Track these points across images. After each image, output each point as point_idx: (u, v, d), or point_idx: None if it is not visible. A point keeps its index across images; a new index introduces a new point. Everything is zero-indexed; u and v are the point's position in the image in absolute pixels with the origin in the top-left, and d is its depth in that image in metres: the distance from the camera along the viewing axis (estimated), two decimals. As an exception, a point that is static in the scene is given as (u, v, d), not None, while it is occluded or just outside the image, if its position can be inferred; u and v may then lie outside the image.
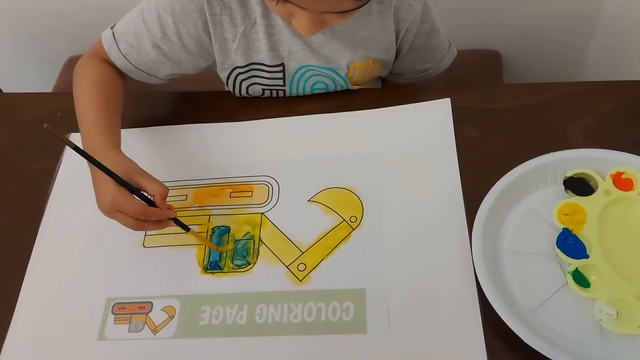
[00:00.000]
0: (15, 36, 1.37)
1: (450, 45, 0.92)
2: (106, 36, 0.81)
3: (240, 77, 0.85)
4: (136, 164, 0.71)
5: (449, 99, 0.83)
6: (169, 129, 0.86)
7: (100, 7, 1.22)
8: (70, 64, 1.32)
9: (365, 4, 0.65)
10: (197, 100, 0.91)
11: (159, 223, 0.70)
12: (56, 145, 0.85)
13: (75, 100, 0.79)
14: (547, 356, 0.60)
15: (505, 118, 0.82)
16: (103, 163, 0.67)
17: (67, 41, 1.33)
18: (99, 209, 0.69)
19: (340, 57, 0.83)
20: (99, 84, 0.79)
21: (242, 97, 0.89)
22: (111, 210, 0.68)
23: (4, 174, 0.86)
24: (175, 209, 0.74)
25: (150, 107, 0.91)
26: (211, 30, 0.79)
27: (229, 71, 0.85)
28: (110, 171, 0.67)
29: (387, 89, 0.96)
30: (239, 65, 0.83)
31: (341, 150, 0.82)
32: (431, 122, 0.82)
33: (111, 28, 0.82)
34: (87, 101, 0.77)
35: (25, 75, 1.45)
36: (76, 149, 0.64)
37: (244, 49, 0.81)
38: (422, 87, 0.96)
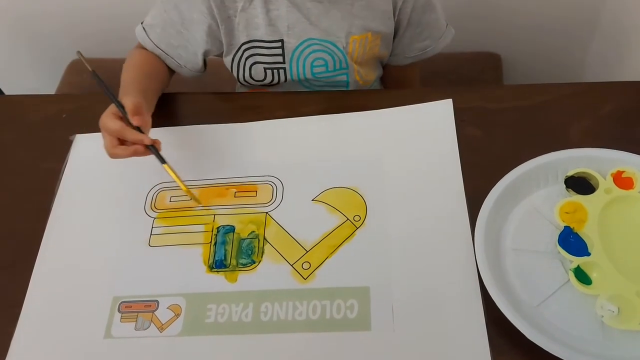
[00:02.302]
0: (18, 39, 1.37)
1: (447, 24, 0.94)
2: (138, 31, 0.89)
3: (244, 55, 0.89)
4: (141, 100, 0.76)
5: (450, 100, 0.84)
6: (174, 130, 0.87)
7: (104, 12, 1.23)
8: (73, 67, 1.32)
9: None
10: (200, 102, 0.92)
11: (136, 149, 0.73)
12: (62, 145, 0.86)
13: (122, 75, 0.86)
14: (550, 352, 0.60)
15: (507, 118, 0.83)
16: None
17: (70, 45, 1.33)
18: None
19: (339, 28, 0.86)
20: (145, 62, 0.89)
21: (245, 97, 0.90)
22: (101, 128, 0.75)
23: (11, 173, 0.86)
24: (181, 209, 0.74)
25: (154, 109, 0.91)
26: (215, 12, 0.84)
27: (234, 53, 0.88)
28: (106, 86, 0.76)
29: (390, 90, 0.97)
30: (242, 42, 0.87)
31: (344, 150, 0.82)
32: (433, 122, 0.83)
33: (141, 23, 0.89)
34: (130, 71, 0.86)
35: (28, 78, 1.45)
36: (94, 74, 0.77)
37: (244, 25, 0.85)
38: (424, 89, 0.97)
